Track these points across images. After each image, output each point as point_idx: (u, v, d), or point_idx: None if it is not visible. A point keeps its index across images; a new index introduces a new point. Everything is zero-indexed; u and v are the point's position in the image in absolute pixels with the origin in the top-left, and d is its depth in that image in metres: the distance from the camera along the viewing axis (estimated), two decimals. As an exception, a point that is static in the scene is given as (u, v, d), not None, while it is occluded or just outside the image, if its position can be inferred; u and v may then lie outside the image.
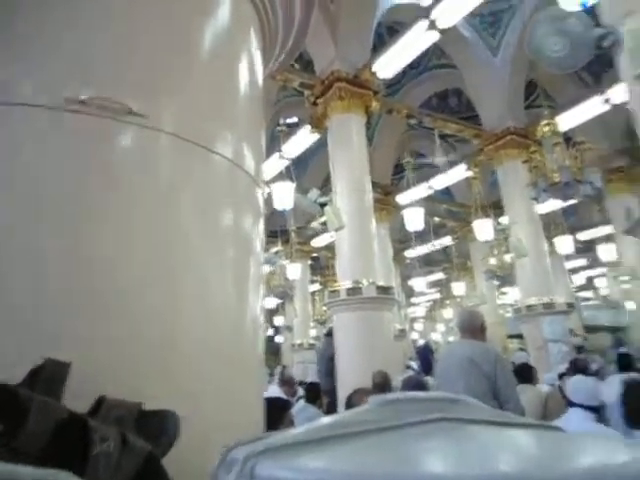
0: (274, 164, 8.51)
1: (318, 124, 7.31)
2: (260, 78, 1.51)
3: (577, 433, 0.65)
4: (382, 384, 3.53)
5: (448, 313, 19.80)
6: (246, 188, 1.25)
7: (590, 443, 0.47)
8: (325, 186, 8.04)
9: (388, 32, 8.98)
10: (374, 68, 6.72)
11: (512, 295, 12.35)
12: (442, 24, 6.08)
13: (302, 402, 4.25)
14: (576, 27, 3.52)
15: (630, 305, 10.30)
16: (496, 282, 9.60)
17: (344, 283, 5.72)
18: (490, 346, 2.79)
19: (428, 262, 17.81)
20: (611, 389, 3.26)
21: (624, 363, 4.19)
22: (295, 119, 11.05)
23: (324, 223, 6.73)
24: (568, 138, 7.62)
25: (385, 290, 5.70)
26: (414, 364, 8.44)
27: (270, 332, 17.04)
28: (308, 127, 7.69)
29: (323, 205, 6.67)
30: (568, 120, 8.02)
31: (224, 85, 1.27)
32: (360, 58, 6.88)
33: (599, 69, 8.96)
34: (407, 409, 0.46)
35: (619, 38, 3.27)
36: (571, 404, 2.35)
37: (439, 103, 11.42)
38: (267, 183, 8.74)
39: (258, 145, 1.41)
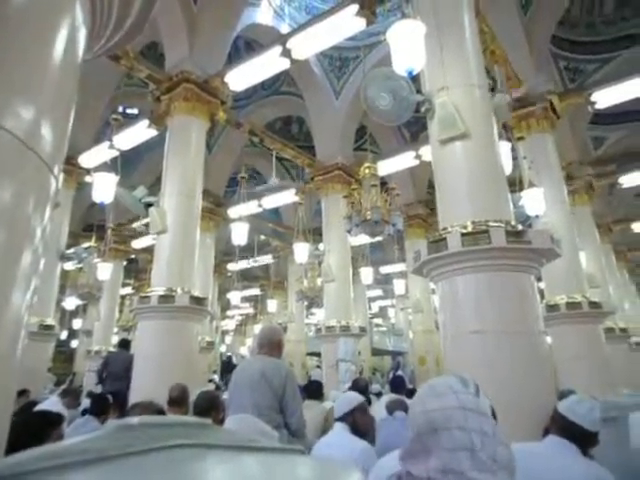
0: (102, 153, 7.72)
1: (158, 121, 6.93)
2: (78, 54, 1.35)
3: (308, 458, 0.70)
4: (179, 398, 3.38)
5: (258, 328, 20.25)
6: (34, 172, 1.09)
7: (305, 468, 0.52)
8: (155, 186, 7.57)
9: (246, 47, 9.09)
10: (226, 78, 6.66)
11: (318, 316, 13.32)
12: (296, 54, 6.34)
13: (87, 416, 3.85)
14: (402, 90, 4.07)
15: (411, 334, 12.00)
16: (306, 303, 10.21)
17: (157, 289, 5.42)
18: (282, 362, 2.92)
19: (247, 277, 18.04)
20: (379, 407, 3.71)
21: (396, 384, 4.78)
22: (135, 110, 10.26)
23: (147, 224, 6.28)
24: (384, 182, 8.62)
25: (199, 301, 5.55)
26: (216, 377, 8.36)
27: (64, 336, 15.17)
28: (147, 122, 7.22)
29: (149, 205, 6.24)
30: (386, 167, 9.08)
31: (22, 53, 1.10)
32: (213, 65, 6.78)
33: (417, 129, 10.46)
34: (147, 434, 0.44)
35: (433, 107, 3.91)
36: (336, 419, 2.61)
37: (282, 127, 11.90)
38: (90, 171, 7.86)
39: (61, 127, 1.25)
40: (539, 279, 4.80)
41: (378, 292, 19.63)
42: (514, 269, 3.24)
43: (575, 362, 5.39)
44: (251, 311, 21.51)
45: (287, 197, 10.44)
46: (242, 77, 6.73)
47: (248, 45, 9.02)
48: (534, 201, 5.90)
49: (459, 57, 3.91)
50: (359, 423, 2.53)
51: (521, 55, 6.87)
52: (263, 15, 7.90)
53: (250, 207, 10.19)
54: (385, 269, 15.22)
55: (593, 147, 10.74)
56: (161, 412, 2.82)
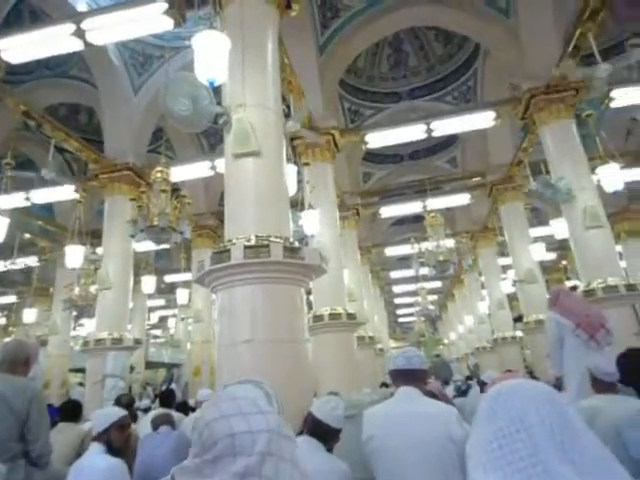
0: None
1: None
2: None
3: None
4: None
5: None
6: None
7: None
8: None
9: (31, 15, 7.76)
10: (-1, 45, 5.60)
11: (89, 327, 11.95)
12: (92, 38, 5.72)
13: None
14: (203, 98, 4.06)
15: (189, 345, 11.77)
16: (75, 312, 9.06)
17: None
18: (28, 382, 2.54)
19: (2, 282, 15.15)
20: (145, 423, 3.56)
21: (166, 398, 4.56)
22: None
23: None
24: (176, 189, 8.36)
25: None
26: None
27: None
28: None
29: None
30: (180, 173, 8.86)
31: None
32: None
33: (215, 140, 10.50)
34: None
35: (230, 121, 4.01)
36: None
37: (68, 115, 10.51)
38: None
39: None
40: (309, 292, 5.34)
41: (160, 301, 18.75)
42: (288, 282, 3.53)
43: (332, 365, 6.12)
44: (2, 322, 18.01)
45: (64, 193, 9.21)
46: (21, 48, 5.80)
47: (33, 14, 7.74)
48: (311, 222, 6.56)
49: (260, 79, 4.13)
50: (114, 440, 2.36)
51: (313, 90, 7.63)
52: (57, -15, 6.91)
53: (15, 199, 8.66)
54: (170, 278, 14.68)
55: (363, 180, 12.57)
56: None
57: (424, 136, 8.40)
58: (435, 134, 8.42)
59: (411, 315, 27.65)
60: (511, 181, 10.23)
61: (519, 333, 10.94)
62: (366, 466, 2.12)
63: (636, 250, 11.78)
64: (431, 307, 20.88)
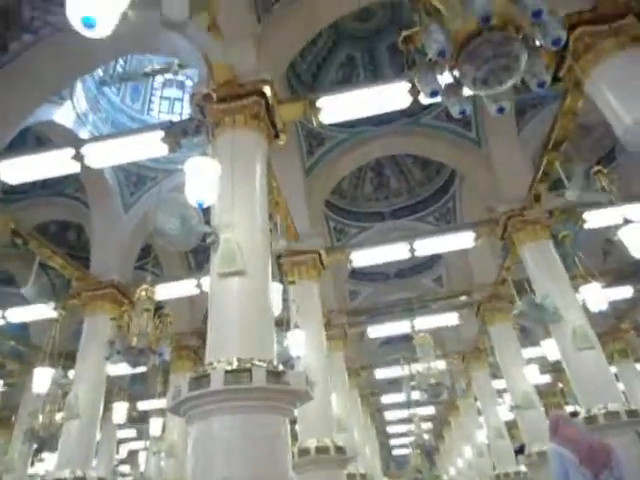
0: None
1: None
2: None
3: None
4: None
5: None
6: None
7: None
8: None
9: (35, 140, 8.26)
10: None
11: (50, 463, 10.73)
12: (90, 161, 6.05)
13: None
14: (192, 218, 4.14)
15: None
16: (35, 445, 8.17)
17: None
18: None
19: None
20: None
21: None
22: None
23: None
24: (159, 307, 8.16)
25: None
26: None
27: None
28: None
29: None
30: (166, 291, 8.75)
31: None
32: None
33: (203, 258, 10.58)
34: None
35: (218, 240, 4.05)
36: None
37: (57, 232, 10.67)
38: None
39: None
40: (294, 421, 4.91)
41: (132, 432, 17.19)
42: (271, 410, 3.25)
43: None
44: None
45: (42, 311, 8.94)
46: (18, 170, 6.05)
47: (39, 141, 8.24)
48: (297, 342, 6.32)
49: (248, 201, 4.27)
50: None
51: (300, 211, 7.91)
52: (63, 116, 7.46)
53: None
54: (144, 405, 13.64)
55: (350, 298, 12.50)
56: None
57: (408, 255, 8.59)
58: (418, 253, 8.63)
59: (406, 447, 25.65)
60: (498, 299, 10.24)
61: (522, 468, 10.05)
62: None
63: (631, 371, 11.49)
64: (426, 437, 19.50)
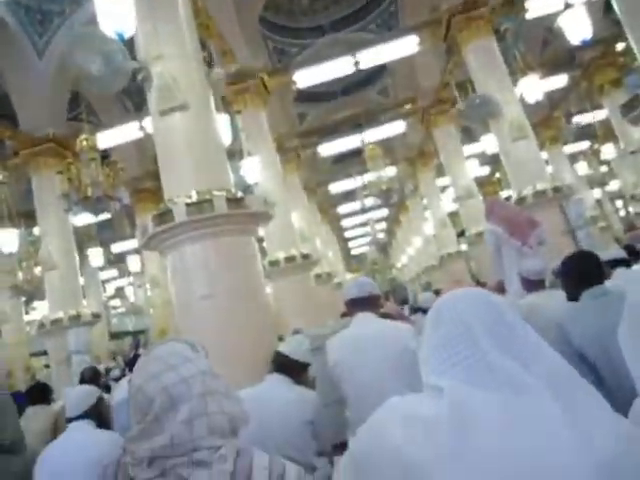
0: None
1: None
2: None
3: None
4: None
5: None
6: None
7: None
8: None
9: None
10: None
11: (42, 309, 11.58)
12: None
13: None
14: (116, 55, 3.79)
15: (151, 310, 11.73)
16: (24, 298, 8.74)
17: None
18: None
19: None
20: (120, 390, 3.61)
21: (133, 364, 4.59)
22: None
23: None
24: (106, 156, 7.96)
25: None
26: None
27: None
28: None
29: None
30: (107, 139, 8.42)
31: None
32: None
33: (140, 99, 9.87)
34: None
35: (150, 76, 3.79)
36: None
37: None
38: None
39: None
40: (260, 240, 5.41)
41: (114, 272, 18.27)
42: (237, 233, 3.54)
43: (294, 306, 6.35)
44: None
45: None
46: None
47: None
48: (252, 170, 6.53)
49: (172, 26, 3.86)
50: (105, 414, 2.32)
51: (233, 32, 7.27)
52: None
53: None
54: (118, 247, 14.23)
55: (299, 121, 12.39)
56: None
57: (352, 69, 8.33)
58: (362, 66, 8.37)
59: (363, 246, 28.60)
60: (441, 104, 10.42)
61: (463, 247, 11.63)
62: (336, 390, 2.31)
63: (560, 155, 12.60)
64: (380, 235, 21.50)
